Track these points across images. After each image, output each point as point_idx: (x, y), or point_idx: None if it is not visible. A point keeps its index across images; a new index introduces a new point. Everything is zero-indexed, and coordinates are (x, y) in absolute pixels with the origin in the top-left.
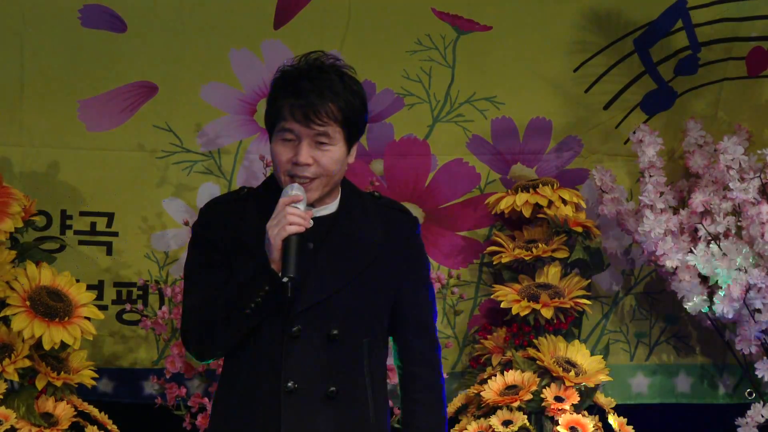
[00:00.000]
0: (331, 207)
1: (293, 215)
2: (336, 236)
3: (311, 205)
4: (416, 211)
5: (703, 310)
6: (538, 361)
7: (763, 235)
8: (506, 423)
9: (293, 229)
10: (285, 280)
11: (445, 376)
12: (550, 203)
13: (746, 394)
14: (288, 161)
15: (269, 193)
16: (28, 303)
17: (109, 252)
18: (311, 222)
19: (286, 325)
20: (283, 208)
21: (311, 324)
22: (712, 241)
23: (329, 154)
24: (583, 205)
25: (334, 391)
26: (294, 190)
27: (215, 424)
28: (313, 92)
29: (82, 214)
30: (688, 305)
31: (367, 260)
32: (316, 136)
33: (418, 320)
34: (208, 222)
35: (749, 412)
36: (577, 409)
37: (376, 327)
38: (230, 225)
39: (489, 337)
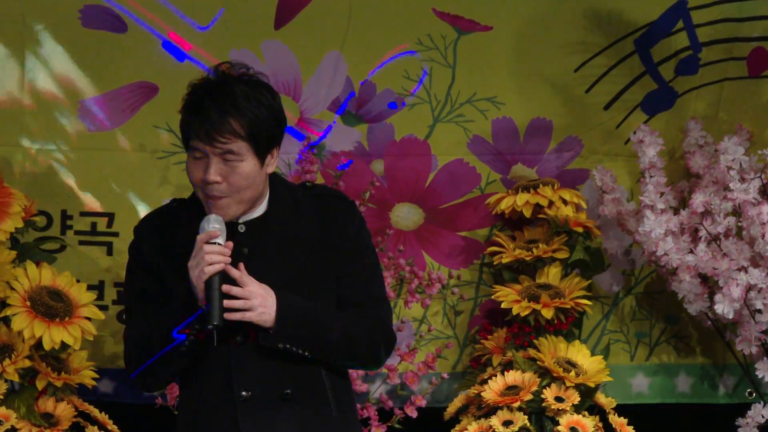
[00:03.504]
0: (261, 208)
1: (211, 254)
2: (269, 237)
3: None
4: (416, 211)
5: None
6: (538, 362)
7: (763, 236)
8: (507, 423)
9: (213, 269)
10: (209, 328)
11: (445, 376)
12: (551, 203)
13: (746, 394)
14: (200, 179)
15: (200, 203)
16: (28, 303)
17: (110, 252)
18: (230, 259)
19: (230, 335)
20: (201, 247)
21: (254, 329)
22: (713, 241)
23: (238, 171)
24: (584, 205)
25: (289, 393)
26: (211, 224)
27: None
28: (212, 109)
29: (83, 214)
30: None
31: (303, 257)
32: (222, 153)
33: (361, 302)
34: (140, 242)
35: (749, 413)
36: (577, 409)
37: None
38: (162, 241)
39: (489, 337)
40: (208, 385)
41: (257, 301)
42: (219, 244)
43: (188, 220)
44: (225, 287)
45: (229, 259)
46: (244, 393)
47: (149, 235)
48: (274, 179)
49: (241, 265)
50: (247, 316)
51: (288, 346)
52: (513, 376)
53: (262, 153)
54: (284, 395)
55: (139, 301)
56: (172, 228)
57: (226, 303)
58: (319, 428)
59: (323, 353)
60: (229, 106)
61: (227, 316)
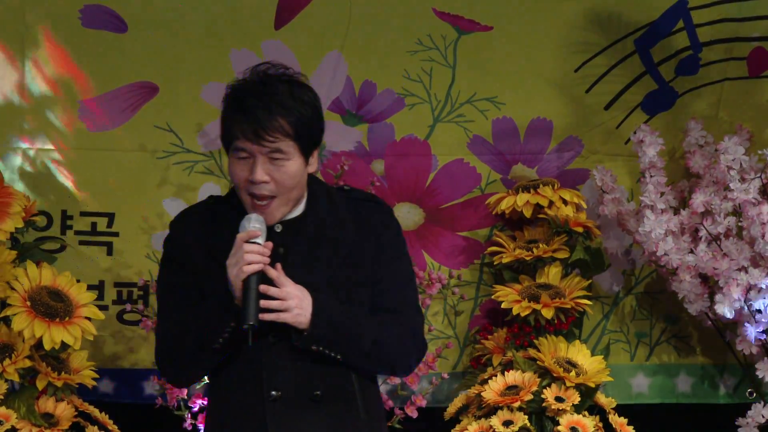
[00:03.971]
0: (298, 209)
1: (251, 253)
2: (305, 238)
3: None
4: (417, 211)
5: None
6: (538, 362)
7: (763, 236)
8: (507, 423)
9: (251, 268)
10: (245, 327)
11: (445, 376)
12: (551, 203)
13: (747, 394)
14: (245, 180)
15: (238, 201)
16: (28, 303)
17: (110, 252)
18: (269, 259)
19: (262, 334)
20: (240, 245)
21: (287, 330)
22: (713, 241)
23: (285, 170)
24: (584, 205)
25: (319, 394)
26: (252, 223)
27: None
28: (260, 108)
29: (83, 214)
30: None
31: (339, 259)
32: (269, 152)
33: (394, 308)
34: (177, 238)
35: (750, 413)
36: (577, 409)
37: None
38: (200, 238)
39: (490, 337)
40: (239, 383)
41: (293, 303)
42: (258, 243)
43: (226, 217)
44: (262, 287)
45: (268, 260)
46: (273, 393)
47: (186, 230)
48: (312, 180)
49: (278, 266)
50: (283, 317)
51: (321, 348)
52: (513, 376)
53: (307, 152)
54: (314, 396)
55: (173, 296)
56: (209, 225)
57: (263, 303)
58: (347, 431)
59: (355, 358)
60: (276, 105)
61: (262, 316)
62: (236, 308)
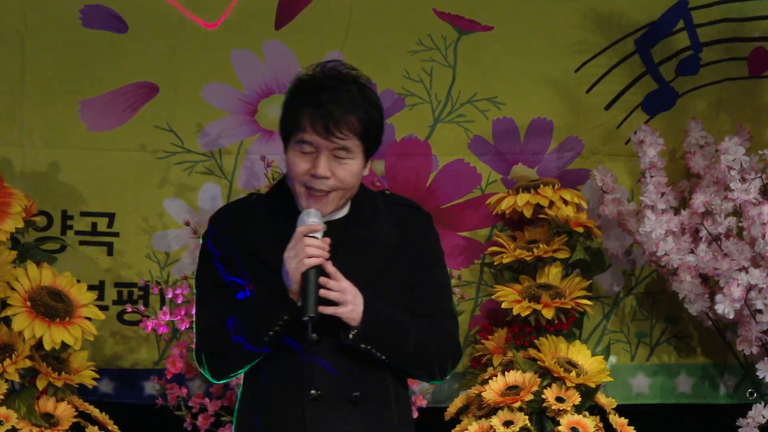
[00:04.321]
0: (343, 210)
1: (312, 247)
2: (349, 240)
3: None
4: None
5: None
6: (539, 362)
7: (764, 236)
8: (507, 423)
9: (312, 261)
10: (305, 319)
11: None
12: (551, 204)
13: (747, 394)
14: (305, 172)
15: (280, 199)
16: (28, 303)
17: (110, 252)
18: (328, 254)
19: (305, 334)
20: (301, 238)
21: (330, 330)
22: (714, 242)
23: (347, 168)
24: (584, 205)
25: (358, 395)
26: (311, 218)
27: None
28: (333, 104)
29: (83, 214)
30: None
31: (381, 262)
32: (335, 149)
33: (431, 313)
34: (217, 235)
35: (750, 413)
36: (578, 409)
37: None
38: (242, 235)
39: (490, 337)
40: (278, 380)
41: (350, 297)
42: (317, 238)
43: (269, 214)
44: (322, 280)
45: (327, 255)
46: (313, 392)
47: (227, 226)
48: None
49: (330, 262)
50: (339, 311)
51: (369, 347)
52: (513, 377)
53: (369, 153)
54: (353, 398)
55: (214, 291)
56: (251, 221)
57: (322, 293)
58: None
59: (399, 359)
60: (348, 103)
61: (321, 309)
62: (290, 301)
